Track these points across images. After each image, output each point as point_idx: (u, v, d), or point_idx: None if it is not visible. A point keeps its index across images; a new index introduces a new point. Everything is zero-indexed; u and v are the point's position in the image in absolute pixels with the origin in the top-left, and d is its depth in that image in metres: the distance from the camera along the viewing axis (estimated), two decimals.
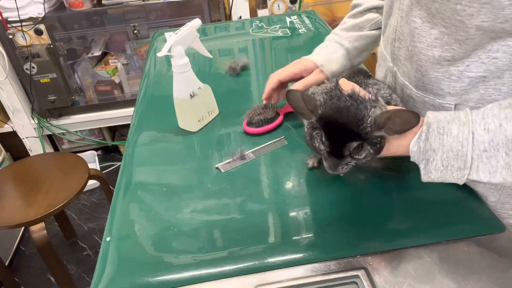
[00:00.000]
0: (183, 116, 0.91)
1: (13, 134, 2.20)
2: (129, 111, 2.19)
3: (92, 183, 2.14)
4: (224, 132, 0.91)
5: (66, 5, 1.98)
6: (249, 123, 0.88)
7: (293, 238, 0.63)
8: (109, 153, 2.56)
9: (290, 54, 1.26)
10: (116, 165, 2.45)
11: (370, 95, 0.58)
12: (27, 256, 1.92)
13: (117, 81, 2.21)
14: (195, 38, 0.87)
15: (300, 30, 1.40)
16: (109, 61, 2.22)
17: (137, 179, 0.80)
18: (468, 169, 0.53)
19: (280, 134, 0.86)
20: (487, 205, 0.65)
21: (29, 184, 1.47)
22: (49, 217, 1.42)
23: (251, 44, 1.36)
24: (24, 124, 2.17)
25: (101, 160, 2.47)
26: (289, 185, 0.74)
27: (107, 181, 1.66)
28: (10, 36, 1.90)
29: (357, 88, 0.60)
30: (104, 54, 2.26)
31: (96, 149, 2.47)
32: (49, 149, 2.35)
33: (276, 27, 1.44)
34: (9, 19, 1.87)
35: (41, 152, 2.24)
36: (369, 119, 0.55)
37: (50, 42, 1.97)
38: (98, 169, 2.20)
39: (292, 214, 0.67)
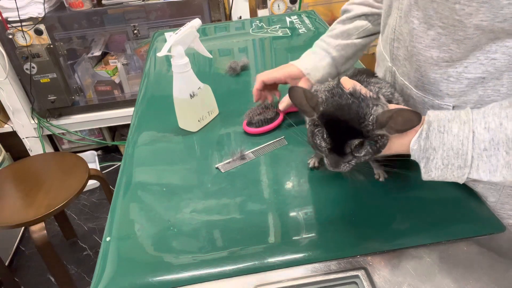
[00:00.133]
0: (183, 116, 0.91)
1: (13, 134, 2.20)
2: (129, 111, 2.19)
3: (92, 183, 2.14)
4: (224, 132, 0.91)
5: (66, 5, 1.98)
6: (249, 123, 0.89)
7: (293, 238, 0.63)
8: (109, 153, 2.56)
9: (290, 54, 1.26)
10: (116, 165, 2.45)
11: (371, 93, 0.58)
12: (27, 256, 1.92)
13: (117, 81, 2.21)
14: (195, 38, 0.87)
15: (300, 30, 1.40)
16: (109, 61, 2.22)
17: (137, 179, 0.80)
18: (468, 168, 0.53)
19: (280, 134, 0.86)
20: (487, 205, 0.65)
21: (29, 184, 1.47)
22: (49, 217, 1.42)
23: (251, 44, 1.36)
24: (24, 124, 2.17)
25: (101, 160, 2.47)
26: (289, 185, 0.74)
27: (107, 181, 1.66)
28: (10, 36, 1.90)
29: (358, 86, 0.60)
30: (104, 54, 2.26)
31: (96, 149, 2.47)
32: (49, 149, 2.35)
33: (276, 27, 1.44)
34: (9, 19, 1.87)
35: (41, 152, 2.24)
36: (371, 117, 0.55)
37: (50, 42, 1.97)
38: (98, 169, 2.20)
39: (292, 214, 0.67)
